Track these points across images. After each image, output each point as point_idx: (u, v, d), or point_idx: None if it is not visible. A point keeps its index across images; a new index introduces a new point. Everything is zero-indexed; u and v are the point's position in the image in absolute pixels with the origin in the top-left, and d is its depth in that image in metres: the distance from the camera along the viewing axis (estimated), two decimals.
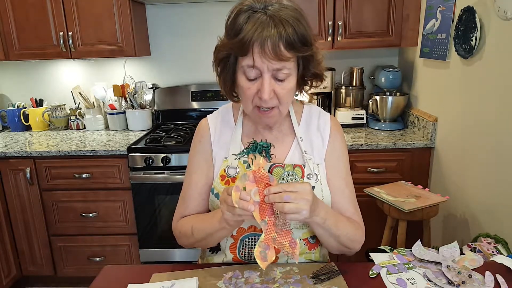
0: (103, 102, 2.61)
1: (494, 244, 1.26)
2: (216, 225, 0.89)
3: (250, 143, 0.83)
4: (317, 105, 2.26)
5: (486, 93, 1.54)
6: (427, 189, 1.79)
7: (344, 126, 2.34)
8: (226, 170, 0.99)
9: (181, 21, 2.58)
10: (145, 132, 2.45)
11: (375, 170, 2.06)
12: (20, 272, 2.31)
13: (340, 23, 2.17)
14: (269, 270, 0.94)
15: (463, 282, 0.86)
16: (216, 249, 1.04)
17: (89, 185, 2.15)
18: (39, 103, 2.64)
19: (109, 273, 0.98)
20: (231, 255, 1.00)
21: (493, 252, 1.23)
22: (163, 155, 2.06)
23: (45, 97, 2.71)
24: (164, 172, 2.08)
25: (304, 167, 0.97)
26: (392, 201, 1.67)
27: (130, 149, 2.09)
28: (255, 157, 0.82)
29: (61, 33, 2.24)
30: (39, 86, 2.72)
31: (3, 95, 2.76)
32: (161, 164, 2.07)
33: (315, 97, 2.42)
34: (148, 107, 2.56)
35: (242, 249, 0.99)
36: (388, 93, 2.40)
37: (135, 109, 2.51)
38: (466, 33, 1.62)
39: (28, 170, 2.12)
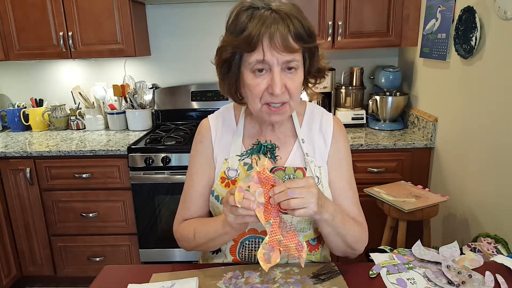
0: (103, 102, 2.61)
1: (494, 244, 1.26)
2: (219, 229, 0.88)
3: (254, 144, 0.82)
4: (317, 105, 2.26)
5: (486, 93, 1.54)
6: (427, 189, 1.79)
7: (344, 126, 2.33)
8: (226, 172, 0.98)
9: (181, 21, 2.58)
10: (145, 132, 2.45)
11: (375, 170, 2.06)
12: (20, 272, 2.31)
13: (340, 23, 2.17)
14: (269, 270, 0.94)
15: (463, 282, 0.86)
16: (216, 250, 1.03)
17: (89, 185, 2.15)
18: (39, 103, 2.64)
19: (109, 273, 0.97)
20: (231, 257, 1.00)
21: (493, 252, 1.23)
22: (163, 155, 2.06)
23: (45, 97, 2.71)
24: (164, 172, 2.08)
25: (306, 170, 0.96)
26: (392, 201, 1.67)
27: (130, 149, 2.09)
28: (259, 158, 0.80)
29: (61, 33, 2.25)
30: (39, 86, 2.72)
31: (3, 95, 2.76)
32: (161, 164, 2.07)
33: (315, 97, 2.42)
34: (148, 107, 2.56)
35: (242, 251, 0.99)
36: (388, 93, 2.40)
37: (135, 109, 2.52)
38: (466, 33, 1.62)
39: (28, 170, 2.12)
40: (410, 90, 2.36)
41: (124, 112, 2.55)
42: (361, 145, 2.03)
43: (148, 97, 2.56)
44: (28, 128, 2.64)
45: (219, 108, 1.08)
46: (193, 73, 2.66)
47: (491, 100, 1.51)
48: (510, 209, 1.42)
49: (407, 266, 0.94)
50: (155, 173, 2.09)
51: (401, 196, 1.71)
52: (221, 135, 1.02)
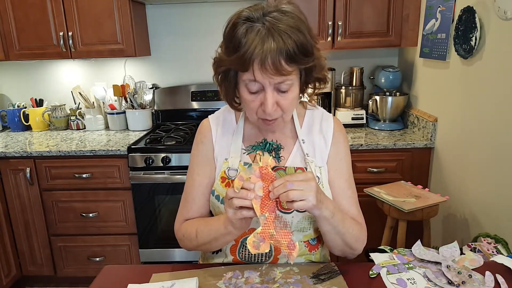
0: (103, 102, 2.61)
1: (494, 244, 1.26)
2: (222, 229, 0.88)
3: (261, 141, 0.82)
4: (317, 105, 2.26)
5: (486, 93, 1.54)
6: (427, 189, 1.79)
7: (344, 126, 2.32)
8: (227, 171, 0.98)
9: (181, 21, 2.58)
10: (145, 132, 2.45)
11: (375, 170, 2.06)
12: (20, 272, 2.31)
13: (340, 23, 2.17)
14: (269, 270, 0.94)
15: (463, 282, 0.86)
16: (217, 250, 1.03)
17: (89, 185, 2.15)
18: (39, 103, 2.64)
19: (109, 273, 0.97)
20: (231, 256, 1.00)
21: (493, 252, 1.23)
22: (163, 155, 2.06)
23: (45, 97, 2.71)
24: (164, 172, 2.08)
25: (306, 170, 0.97)
26: (392, 201, 1.67)
27: (130, 149, 2.09)
28: (263, 154, 0.81)
29: (61, 33, 2.25)
30: (39, 86, 2.72)
31: (3, 95, 2.76)
32: (161, 164, 2.07)
33: (315, 97, 2.42)
34: (148, 107, 2.56)
35: (242, 251, 0.99)
36: (388, 93, 2.40)
37: (135, 109, 2.51)
38: (466, 33, 1.62)
39: (28, 170, 2.12)
40: (410, 90, 2.36)
41: (124, 112, 2.55)
42: (361, 145, 2.03)
43: (148, 97, 2.56)
44: (28, 128, 2.64)
45: (219, 108, 1.09)
46: (193, 73, 2.66)
47: (491, 100, 1.51)
48: (510, 209, 1.42)
49: (407, 266, 0.94)
50: (155, 173, 2.09)
51: (401, 196, 1.71)
52: (222, 135, 1.02)
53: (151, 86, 2.62)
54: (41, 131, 2.60)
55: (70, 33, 2.25)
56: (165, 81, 2.69)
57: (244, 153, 0.98)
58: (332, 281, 0.89)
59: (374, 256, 1.00)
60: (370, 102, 2.35)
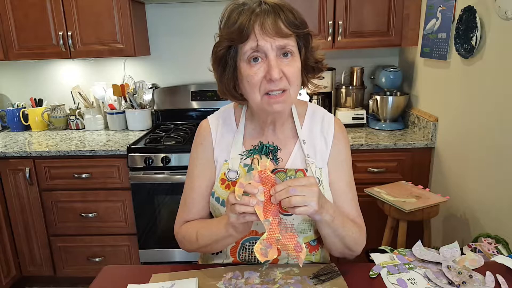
0: (102, 102, 2.61)
1: (494, 244, 1.26)
2: (223, 232, 0.87)
3: (257, 144, 0.81)
4: (317, 105, 2.25)
5: (487, 93, 1.53)
6: (427, 189, 1.78)
7: (345, 126, 2.33)
8: (227, 173, 0.97)
9: (181, 21, 2.57)
10: (144, 132, 2.45)
11: (375, 170, 2.06)
12: (20, 272, 2.30)
13: (340, 22, 2.17)
14: (269, 270, 0.94)
15: (463, 283, 0.86)
16: (217, 251, 1.03)
17: (88, 185, 2.15)
18: (38, 103, 2.63)
19: (109, 274, 0.97)
20: (231, 257, 1.00)
21: (493, 252, 1.23)
22: (162, 155, 2.06)
23: (44, 97, 2.70)
24: (164, 172, 2.08)
25: (306, 171, 0.96)
26: (392, 201, 1.66)
27: (129, 149, 2.08)
28: (261, 158, 0.80)
29: (60, 33, 2.24)
30: (38, 86, 2.71)
31: (2, 95, 2.76)
32: (161, 164, 2.06)
33: (315, 97, 2.42)
34: (147, 107, 2.55)
35: (242, 252, 0.98)
36: (388, 93, 2.40)
37: (135, 109, 2.51)
38: (466, 32, 1.62)
39: (27, 170, 2.11)
40: (411, 90, 2.35)
41: (123, 112, 2.54)
42: (362, 145, 2.02)
43: (147, 97, 2.55)
44: (28, 128, 2.63)
45: (219, 108, 1.08)
46: (193, 73, 2.66)
47: (492, 100, 1.50)
48: (510, 209, 1.41)
49: (407, 266, 0.94)
50: (154, 173, 2.08)
51: (401, 196, 1.71)
52: (221, 136, 1.01)
53: (150, 86, 2.62)
54: (40, 131, 2.60)
55: (69, 33, 2.24)
56: (165, 80, 2.69)
57: (241, 158, 0.96)
58: (332, 282, 0.89)
59: (374, 256, 0.99)
60: (371, 102, 2.34)
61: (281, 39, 0.83)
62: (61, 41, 2.25)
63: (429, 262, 0.95)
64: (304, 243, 0.99)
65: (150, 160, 2.06)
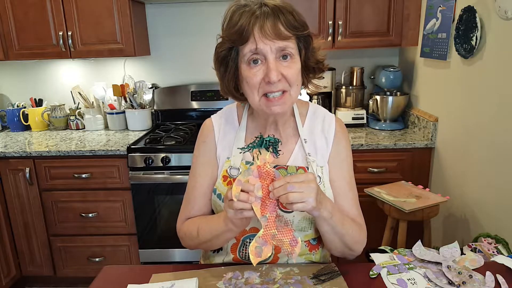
0: (102, 102, 2.61)
1: (494, 244, 1.26)
2: (222, 226, 0.88)
3: (256, 137, 0.81)
4: (318, 105, 2.25)
5: (487, 93, 1.53)
6: (427, 189, 1.78)
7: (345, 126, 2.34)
8: (229, 170, 0.98)
9: (181, 21, 2.57)
10: (144, 132, 2.45)
11: (375, 170, 2.06)
12: (20, 272, 2.30)
13: (340, 22, 2.17)
14: (269, 270, 0.94)
15: (463, 283, 0.86)
16: (218, 248, 1.03)
17: (88, 185, 2.15)
18: (38, 103, 2.63)
19: (109, 274, 0.97)
20: (231, 255, 1.00)
21: (493, 252, 1.23)
22: (162, 155, 2.06)
23: (44, 97, 2.70)
24: (164, 172, 2.08)
25: (308, 170, 0.97)
26: (392, 201, 1.66)
27: (129, 149, 2.08)
28: (260, 153, 0.80)
29: (60, 33, 2.24)
30: (38, 86, 2.71)
31: (2, 95, 2.76)
32: (161, 164, 2.06)
33: (315, 97, 2.42)
34: (147, 107, 2.55)
35: (243, 249, 0.99)
36: (388, 93, 2.40)
37: (135, 109, 2.51)
38: (466, 32, 1.62)
39: (27, 170, 2.11)
40: (411, 90, 2.35)
41: (123, 112, 2.54)
42: (362, 145, 2.02)
43: (147, 97, 2.55)
44: (28, 128, 2.63)
45: (219, 108, 1.09)
46: (193, 73, 2.66)
47: (492, 100, 1.50)
48: (510, 209, 1.41)
49: (407, 266, 0.94)
50: (154, 173, 2.08)
51: (401, 196, 1.71)
52: (224, 134, 1.02)
53: (150, 86, 2.62)
54: (40, 131, 2.60)
55: (69, 33, 2.24)
56: (165, 80, 2.68)
57: (240, 153, 0.97)
58: (332, 282, 0.89)
59: (374, 256, 0.99)
60: (371, 102, 2.34)
61: (280, 42, 0.83)
62: (61, 41, 2.25)
63: (429, 262, 0.95)
64: (304, 242, 0.99)
65: (150, 160, 2.06)
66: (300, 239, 0.79)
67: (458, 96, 1.76)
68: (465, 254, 0.98)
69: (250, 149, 0.81)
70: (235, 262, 1.00)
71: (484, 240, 1.29)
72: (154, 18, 2.57)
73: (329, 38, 2.19)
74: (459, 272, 0.89)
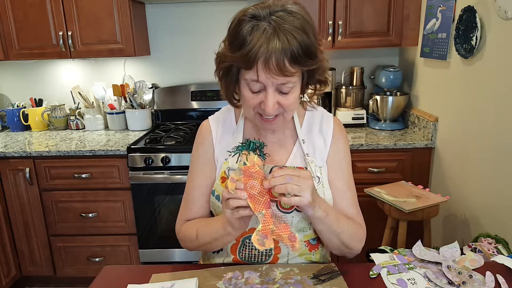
0: (102, 102, 2.61)
1: (494, 244, 1.26)
2: (221, 230, 0.89)
3: (244, 141, 0.83)
4: (317, 105, 2.25)
5: (487, 93, 1.53)
6: (427, 189, 1.78)
7: (345, 126, 2.32)
8: (227, 171, 0.98)
9: (181, 21, 2.57)
10: (144, 132, 2.45)
11: (375, 170, 2.06)
12: (20, 272, 2.30)
13: (340, 22, 2.17)
14: (269, 270, 0.94)
15: (463, 283, 0.86)
16: (218, 249, 1.03)
17: (88, 185, 2.15)
18: (38, 103, 2.63)
19: (109, 274, 0.97)
20: (231, 256, 1.00)
21: (493, 252, 1.23)
22: (162, 155, 2.06)
23: (44, 97, 2.70)
24: (164, 172, 2.08)
25: (306, 170, 0.97)
26: (392, 201, 1.66)
27: (129, 149, 2.08)
28: (249, 154, 0.82)
29: (60, 33, 2.24)
30: (38, 86, 2.71)
31: (2, 95, 2.76)
32: (161, 164, 2.06)
33: (315, 97, 2.42)
34: (147, 107, 2.55)
35: (243, 250, 0.99)
36: (388, 93, 2.40)
37: (135, 109, 2.51)
38: (466, 32, 1.62)
39: (27, 170, 2.11)
40: (411, 90, 2.35)
41: (123, 112, 2.54)
42: (362, 145, 2.02)
43: (147, 97, 2.55)
44: (28, 128, 2.63)
45: (219, 108, 1.09)
46: (193, 73, 2.66)
47: (492, 99, 1.50)
48: (510, 209, 1.41)
49: (407, 266, 0.94)
50: (154, 173, 2.08)
51: (401, 196, 1.71)
52: (222, 136, 1.02)
53: (150, 86, 2.62)
54: (40, 131, 2.60)
55: (69, 33, 2.24)
56: (165, 80, 2.68)
57: (230, 155, 0.97)
58: (332, 282, 0.89)
59: (374, 256, 0.99)
60: (371, 102, 2.34)
61: (283, 78, 0.80)
62: (61, 41, 2.25)
63: (429, 262, 0.95)
64: (304, 241, 0.99)
65: (150, 160, 2.06)
66: (298, 234, 0.80)
67: (458, 96, 1.76)
68: (465, 254, 0.98)
69: (239, 152, 0.83)
70: (235, 262, 1.00)
71: (484, 240, 1.29)
72: (154, 18, 2.57)
73: (329, 38, 2.19)
74: (459, 272, 0.89)
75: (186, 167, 1.08)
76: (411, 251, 1.00)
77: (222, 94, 0.95)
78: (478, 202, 1.62)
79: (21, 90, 2.72)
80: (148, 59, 2.64)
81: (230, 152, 0.96)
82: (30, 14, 2.22)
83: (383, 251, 1.04)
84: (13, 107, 2.60)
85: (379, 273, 0.92)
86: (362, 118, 2.40)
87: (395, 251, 1.01)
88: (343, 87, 2.43)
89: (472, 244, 1.26)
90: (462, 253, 0.99)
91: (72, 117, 2.58)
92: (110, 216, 2.19)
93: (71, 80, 2.69)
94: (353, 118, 2.39)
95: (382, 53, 2.56)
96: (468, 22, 1.60)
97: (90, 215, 2.18)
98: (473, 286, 0.86)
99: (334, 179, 1.00)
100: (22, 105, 2.61)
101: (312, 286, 0.87)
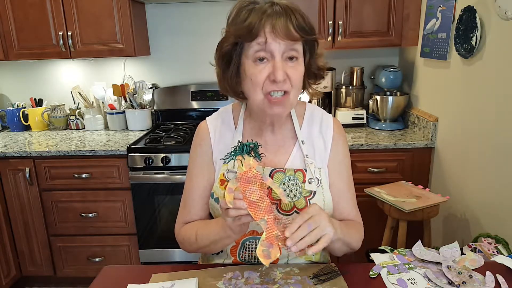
0: (102, 102, 2.61)
1: (494, 244, 1.26)
2: (221, 233, 0.88)
3: (236, 145, 0.81)
4: (317, 105, 2.26)
5: (487, 93, 1.53)
6: (427, 189, 1.78)
7: (345, 126, 2.32)
8: (226, 174, 0.97)
9: (181, 21, 2.57)
10: (144, 132, 2.45)
11: (375, 170, 2.06)
12: (20, 272, 2.30)
13: (340, 22, 2.17)
14: (269, 270, 0.94)
15: (463, 283, 0.86)
16: (217, 251, 1.03)
17: (88, 185, 2.15)
18: (38, 103, 2.63)
19: (109, 274, 0.97)
20: (231, 257, 1.00)
21: (493, 252, 1.23)
22: (162, 155, 2.06)
23: (44, 97, 2.70)
24: (163, 172, 2.08)
25: (306, 171, 0.96)
26: (392, 201, 1.66)
27: (129, 149, 2.08)
28: (244, 158, 0.79)
29: (60, 33, 2.24)
30: (38, 86, 2.71)
31: (2, 95, 2.76)
32: (161, 164, 2.06)
33: (315, 97, 2.42)
34: (147, 107, 2.55)
35: (243, 252, 0.99)
36: (388, 93, 2.40)
37: (135, 109, 2.51)
38: (466, 32, 1.62)
39: (27, 170, 2.11)
40: (411, 90, 2.35)
41: (123, 112, 2.54)
42: (362, 145, 2.02)
43: (147, 97, 2.55)
44: (28, 128, 2.63)
45: (219, 108, 1.08)
46: (193, 73, 2.66)
47: (492, 100, 1.50)
48: (510, 209, 1.41)
49: (407, 266, 0.94)
50: (154, 173, 2.08)
51: (401, 196, 1.71)
52: (220, 137, 1.01)
53: (150, 86, 2.62)
54: (40, 131, 2.60)
55: (69, 33, 2.24)
56: (165, 80, 2.68)
57: (224, 163, 0.94)
58: (332, 282, 0.89)
59: (374, 256, 0.99)
60: (371, 102, 2.34)
61: (289, 42, 0.83)
62: (61, 41, 2.25)
63: (429, 262, 0.95)
64: None
65: (150, 160, 2.06)
66: None
67: (458, 96, 1.76)
68: (465, 254, 0.98)
69: (233, 157, 0.80)
70: (235, 264, 1.00)
71: (484, 240, 1.29)
72: (154, 18, 2.57)
73: (329, 38, 2.19)
74: (459, 272, 0.89)
75: (186, 167, 1.07)
76: (411, 251, 1.00)
77: (225, 89, 0.93)
78: (478, 202, 1.62)
79: (21, 90, 2.72)
80: (148, 59, 2.64)
81: (223, 159, 0.92)
82: (30, 14, 2.22)
83: (383, 251, 1.04)
84: (13, 107, 2.60)
85: (379, 273, 0.92)
86: (362, 118, 2.40)
87: (395, 251, 1.01)
88: (343, 87, 2.43)
89: (472, 244, 1.26)
90: (462, 253, 0.99)
91: (72, 117, 2.58)
92: (110, 216, 2.19)
93: (71, 80, 2.69)
94: (353, 118, 2.39)
95: (382, 53, 2.56)
96: (468, 22, 1.60)
97: (90, 215, 2.18)
98: (473, 286, 0.86)
99: (334, 181, 1.00)
100: (22, 105, 2.61)
101: (312, 286, 0.87)
